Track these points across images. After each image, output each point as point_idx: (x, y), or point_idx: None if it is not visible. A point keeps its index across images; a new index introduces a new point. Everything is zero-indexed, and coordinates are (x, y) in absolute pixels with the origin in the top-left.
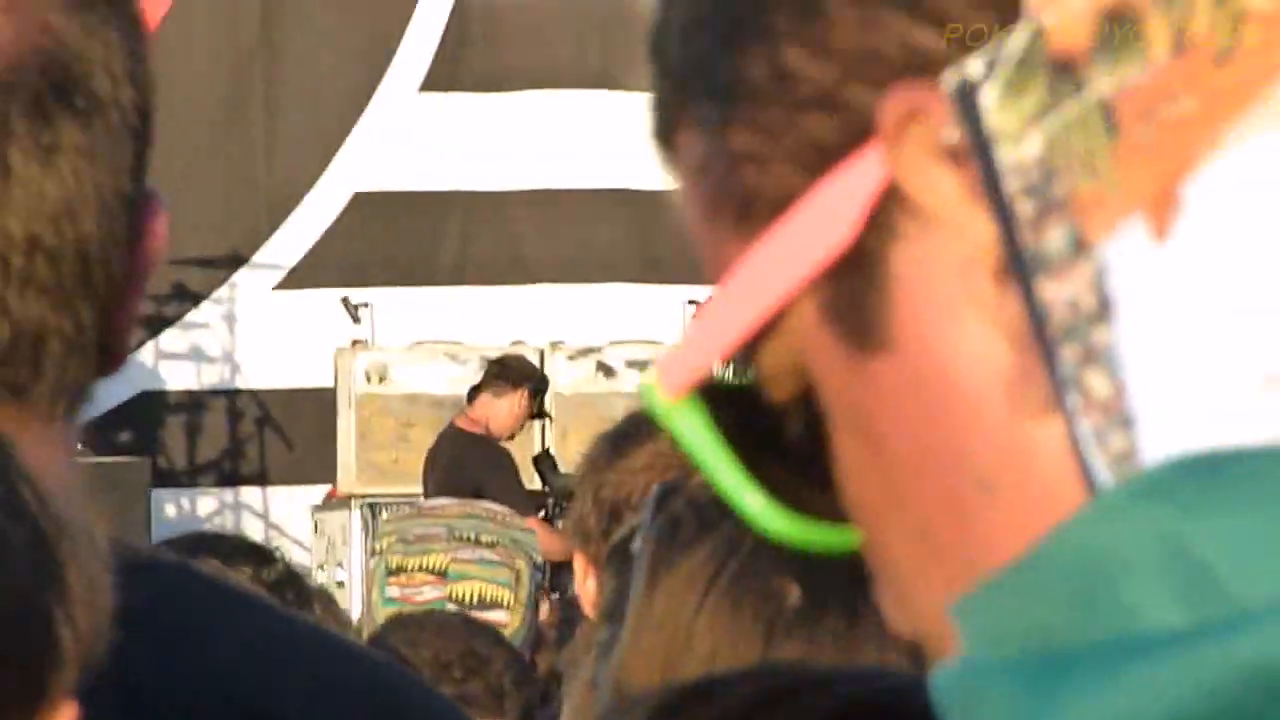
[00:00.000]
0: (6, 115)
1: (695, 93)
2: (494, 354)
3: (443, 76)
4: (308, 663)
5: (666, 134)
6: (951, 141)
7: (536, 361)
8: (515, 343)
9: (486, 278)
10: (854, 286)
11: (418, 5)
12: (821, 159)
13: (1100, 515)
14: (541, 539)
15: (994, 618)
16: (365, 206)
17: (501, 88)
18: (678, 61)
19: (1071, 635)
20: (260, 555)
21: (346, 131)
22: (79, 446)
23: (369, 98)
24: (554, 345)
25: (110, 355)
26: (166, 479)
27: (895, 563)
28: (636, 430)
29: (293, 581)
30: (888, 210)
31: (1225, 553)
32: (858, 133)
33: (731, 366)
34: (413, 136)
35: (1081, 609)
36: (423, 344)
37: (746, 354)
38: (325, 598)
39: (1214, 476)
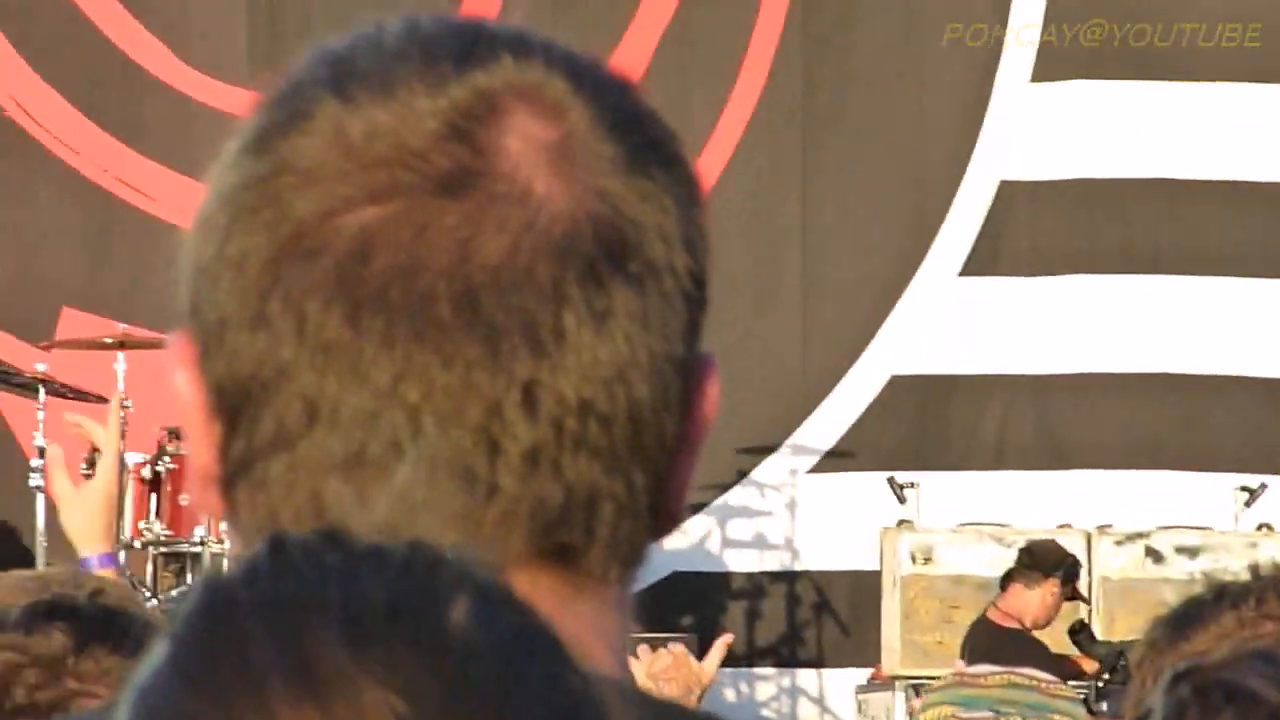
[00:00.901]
0: (561, 281)
1: None
2: (1040, 537)
3: (983, 259)
4: None
5: None
6: None
7: (1083, 545)
8: (1062, 525)
9: (1028, 462)
10: None
11: (961, 187)
12: None
13: None
14: None
15: None
16: (901, 390)
17: (1043, 271)
18: None
19: None
20: None
21: (884, 315)
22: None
23: (908, 281)
24: (1101, 530)
25: (663, 518)
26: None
27: None
28: (1198, 613)
29: None
30: None
31: None
32: None
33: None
34: (951, 320)
35: None
36: (967, 525)
37: None
38: None
39: None
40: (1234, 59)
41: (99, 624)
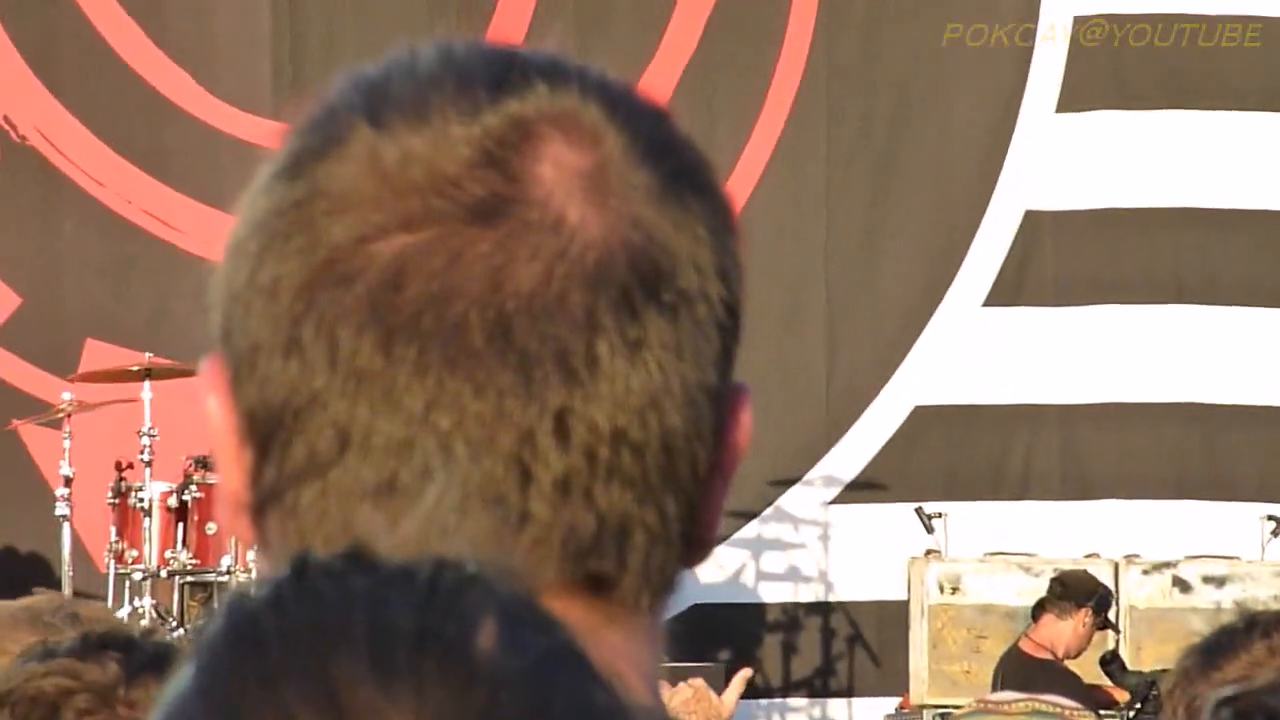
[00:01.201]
0: (594, 309)
1: None
2: (1067, 566)
3: (1008, 290)
4: None
5: None
6: None
7: (1110, 575)
8: (1089, 555)
9: (1054, 492)
10: None
11: (985, 217)
12: None
13: None
14: None
15: None
16: (925, 420)
17: (1068, 301)
18: None
19: None
20: None
21: (909, 346)
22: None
23: (933, 311)
24: (1128, 559)
25: (695, 547)
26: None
27: None
28: (1230, 642)
29: None
30: None
31: None
32: None
33: None
34: (976, 350)
35: None
36: (995, 555)
37: None
38: None
39: None
40: (1262, 88)
41: (151, 656)
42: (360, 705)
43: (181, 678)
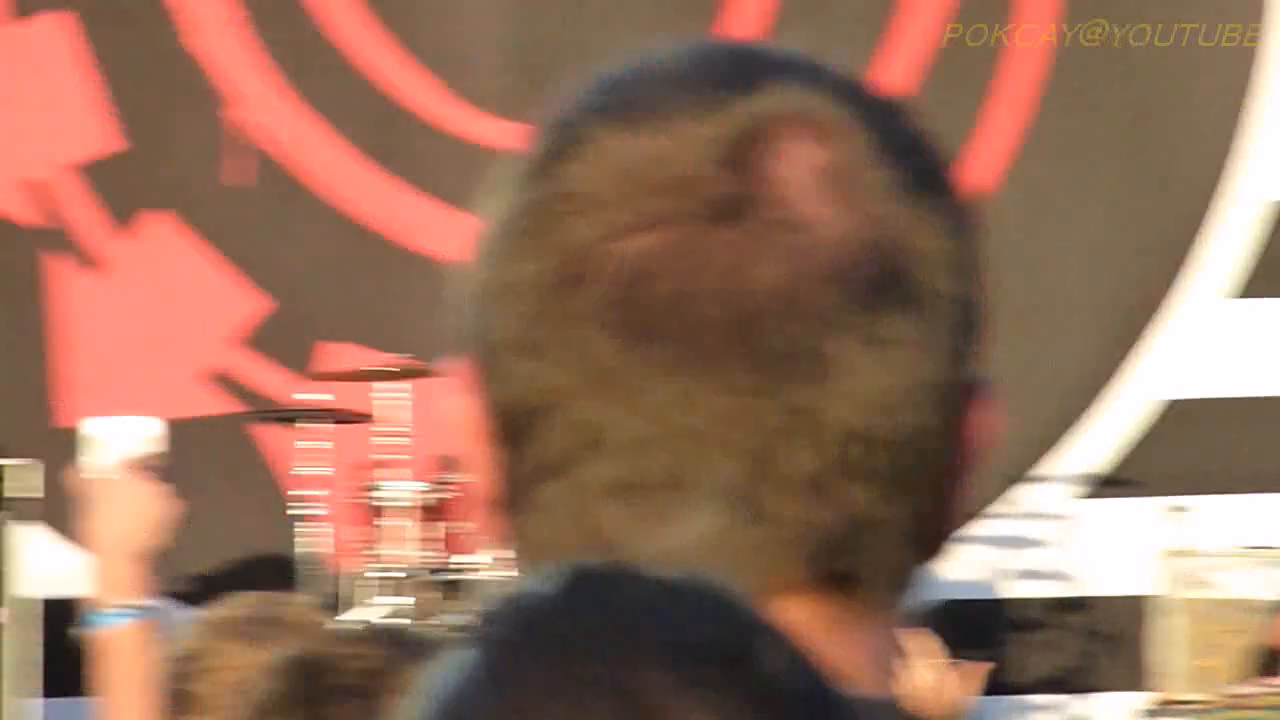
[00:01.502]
0: (837, 308)
1: None
2: None
3: (1256, 279)
4: None
5: None
6: None
7: None
8: None
9: None
10: None
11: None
12: None
13: None
14: None
15: None
16: (1176, 414)
17: None
18: None
19: None
20: None
21: (1141, 337)
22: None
23: (1163, 302)
24: None
25: (938, 544)
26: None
27: None
28: None
29: None
30: None
31: None
32: None
33: None
34: (1220, 343)
35: None
36: (1245, 549)
37: None
38: None
39: None
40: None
41: (422, 646)
42: (663, 711)
43: (458, 670)
